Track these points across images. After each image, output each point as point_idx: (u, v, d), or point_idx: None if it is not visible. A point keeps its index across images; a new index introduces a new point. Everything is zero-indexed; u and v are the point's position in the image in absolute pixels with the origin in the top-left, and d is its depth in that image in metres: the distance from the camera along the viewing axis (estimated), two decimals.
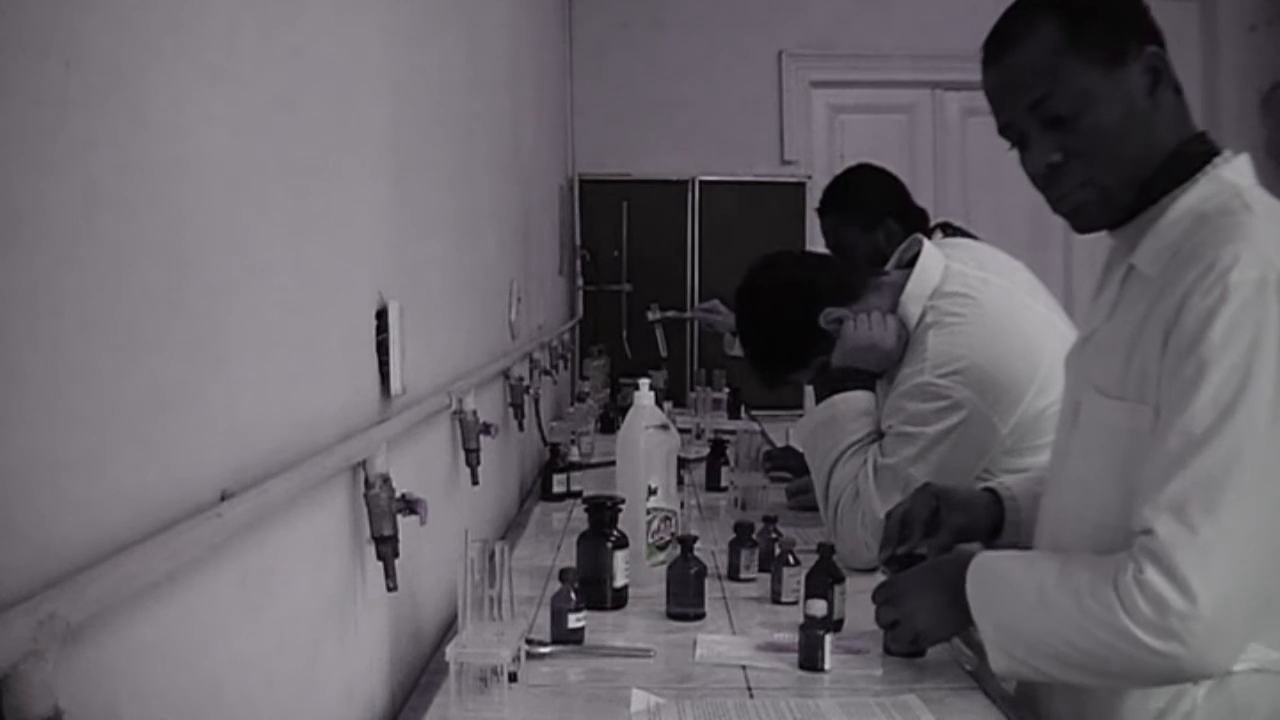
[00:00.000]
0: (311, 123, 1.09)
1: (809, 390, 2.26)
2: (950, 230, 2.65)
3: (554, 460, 2.58)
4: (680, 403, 3.96)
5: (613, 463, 1.91)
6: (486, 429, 1.86)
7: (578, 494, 2.46)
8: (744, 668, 1.44)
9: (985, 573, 1.28)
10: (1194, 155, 1.22)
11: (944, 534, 1.51)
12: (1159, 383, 1.13)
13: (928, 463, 1.83)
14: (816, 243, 4.77)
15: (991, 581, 1.27)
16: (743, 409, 3.82)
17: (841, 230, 2.65)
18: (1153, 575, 1.07)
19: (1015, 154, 1.29)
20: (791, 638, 1.45)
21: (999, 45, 1.27)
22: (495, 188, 2.35)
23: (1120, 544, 1.14)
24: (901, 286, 1.94)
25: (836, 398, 2.00)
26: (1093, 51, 1.21)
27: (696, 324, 3.48)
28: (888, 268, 2.08)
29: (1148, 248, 1.21)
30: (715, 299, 3.30)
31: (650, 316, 3.77)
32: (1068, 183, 1.24)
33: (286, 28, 1.02)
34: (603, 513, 1.70)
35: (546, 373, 3.17)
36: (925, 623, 1.39)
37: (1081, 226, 1.28)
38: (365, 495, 1.20)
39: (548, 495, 2.55)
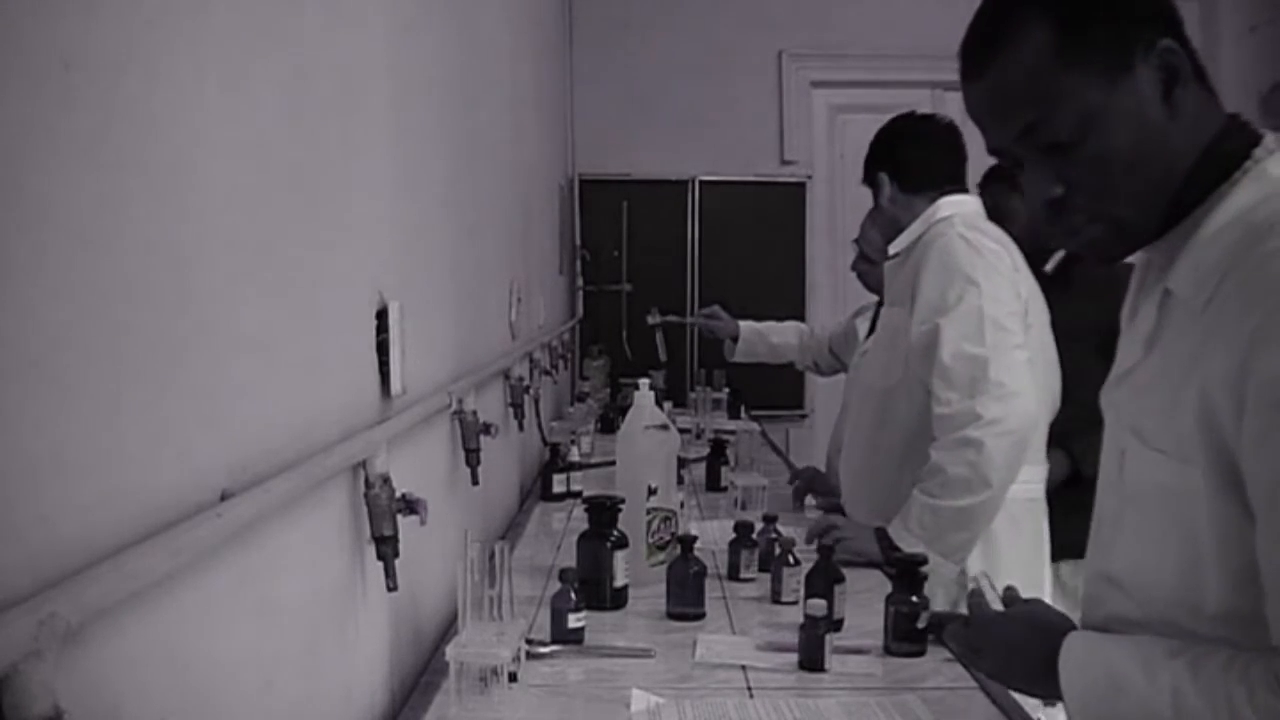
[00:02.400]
0: (312, 123, 1.09)
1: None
2: None
3: (554, 460, 2.58)
4: (680, 403, 3.97)
5: (613, 463, 1.91)
6: (486, 429, 1.86)
7: (578, 494, 2.47)
8: (744, 668, 1.44)
9: (1084, 657, 1.06)
10: (1229, 150, 1.01)
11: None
12: (1209, 440, 0.92)
13: (979, 331, 1.90)
14: (817, 242, 4.84)
15: (1093, 670, 1.04)
16: (743, 409, 3.82)
17: (1001, 200, 2.66)
18: None
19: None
20: (791, 638, 1.45)
21: (977, 56, 1.04)
22: (495, 188, 2.35)
23: (1192, 628, 0.97)
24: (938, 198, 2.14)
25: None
26: (1092, 60, 0.98)
27: (697, 329, 3.47)
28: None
29: (1186, 268, 0.99)
30: (716, 304, 3.29)
31: (650, 320, 3.75)
32: (1071, 218, 1.03)
33: (287, 29, 1.02)
34: (603, 513, 1.70)
35: (546, 373, 3.18)
36: (1003, 680, 1.24)
37: (1097, 261, 1.07)
38: (365, 495, 1.20)
39: (548, 495, 2.55)
